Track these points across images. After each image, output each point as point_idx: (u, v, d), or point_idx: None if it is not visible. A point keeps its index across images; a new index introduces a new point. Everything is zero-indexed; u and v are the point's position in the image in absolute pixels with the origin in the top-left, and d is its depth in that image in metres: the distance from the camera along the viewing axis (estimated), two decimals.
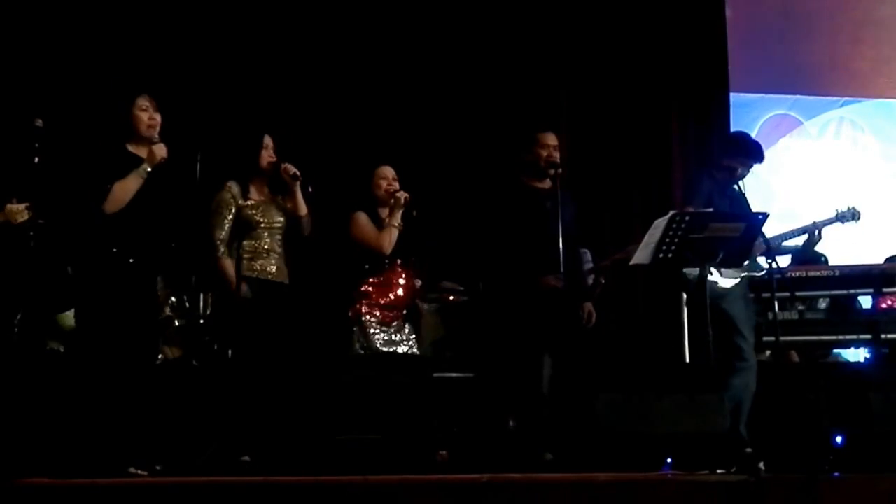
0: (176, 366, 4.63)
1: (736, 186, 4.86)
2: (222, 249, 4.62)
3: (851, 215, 5.15)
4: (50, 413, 4.10)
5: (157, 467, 4.02)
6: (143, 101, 4.30)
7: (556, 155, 5.02)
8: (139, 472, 3.94)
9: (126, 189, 4.17)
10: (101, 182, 4.15)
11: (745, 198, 4.98)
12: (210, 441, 4.28)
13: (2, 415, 4.03)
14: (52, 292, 4.38)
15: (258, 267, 4.68)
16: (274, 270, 4.71)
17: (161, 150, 4.25)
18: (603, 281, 5.58)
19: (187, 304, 4.74)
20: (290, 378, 4.61)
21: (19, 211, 4.11)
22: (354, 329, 4.86)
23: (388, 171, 5.05)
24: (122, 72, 5.61)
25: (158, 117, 4.31)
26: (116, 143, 4.28)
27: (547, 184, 5.03)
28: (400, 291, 4.92)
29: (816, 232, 5.12)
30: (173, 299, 4.70)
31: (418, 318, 5.04)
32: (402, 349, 4.88)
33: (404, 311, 4.95)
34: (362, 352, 4.81)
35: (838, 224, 5.15)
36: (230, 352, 4.54)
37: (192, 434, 4.35)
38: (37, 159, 4.15)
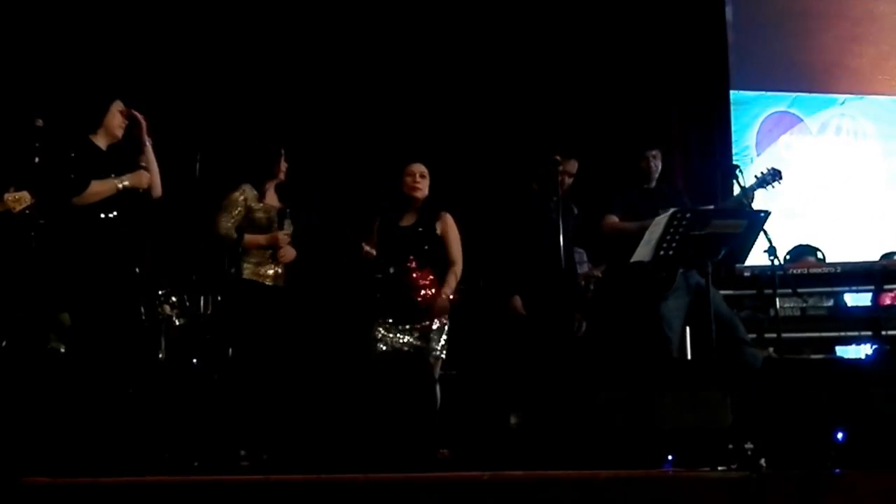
0: (176, 365, 4.65)
1: (737, 182, 4.87)
2: (232, 233, 4.76)
3: (772, 177, 5.03)
4: (52, 412, 4.11)
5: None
6: (120, 104, 4.52)
7: (571, 181, 5.19)
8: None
9: (98, 192, 4.33)
10: (65, 171, 4.27)
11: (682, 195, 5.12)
12: (213, 439, 4.31)
13: (4, 414, 4.04)
14: (53, 291, 4.39)
15: (263, 272, 4.80)
16: (279, 274, 4.85)
17: (146, 180, 4.47)
18: (592, 287, 5.61)
19: (188, 304, 4.77)
20: (291, 377, 4.65)
21: (17, 199, 4.15)
22: (370, 326, 4.88)
23: (416, 169, 5.05)
24: (128, 73, 5.63)
25: (125, 125, 4.53)
26: (80, 133, 4.44)
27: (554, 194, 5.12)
28: (418, 289, 4.89)
29: (746, 199, 5.04)
30: (174, 298, 4.72)
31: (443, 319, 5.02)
32: (414, 346, 4.88)
33: (422, 309, 4.92)
34: (376, 348, 4.83)
35: (762, 189, 5.04)
36: (230, 351, 4.60)
37: (194, 433, 4.36)
38: (37, 159, 4.18)
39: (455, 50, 6.69)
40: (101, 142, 4.48)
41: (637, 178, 5.24)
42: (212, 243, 4.77)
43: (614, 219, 5.17)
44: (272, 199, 4.96)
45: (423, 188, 5.00)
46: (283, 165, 4.94)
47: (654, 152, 5.25)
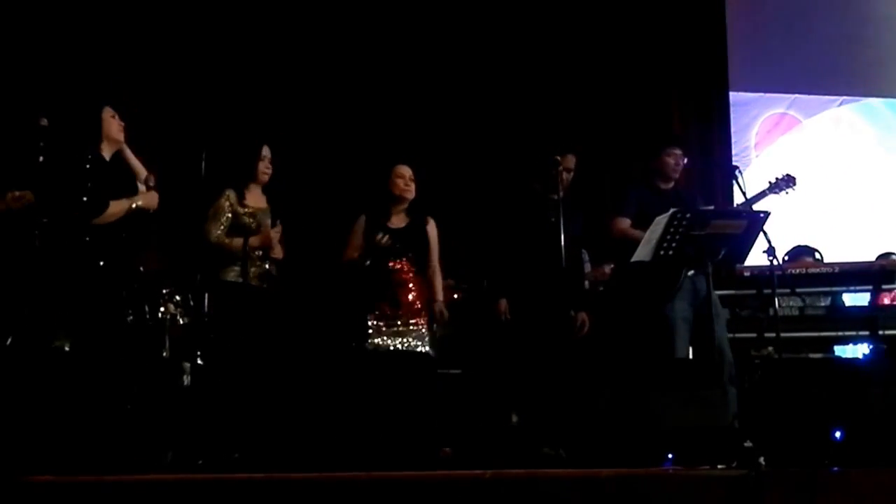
0: (180, 363, 4.68)
1: (737, 183, 4.88)
2: (224, 239, 4.80)
3: (786, 183, 5.05)
4: (56, 411, 4.13)
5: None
6: (110, 110, 4.50)
7: (570, 176, 5.15)
8: None
9: (114, 213, 4.36)
10: (83, 192, 4.29)
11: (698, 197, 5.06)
12: (216, 438, 4.34)
13: (7, 413, 4.06)
14: (57, 290, 4.41)
15: (250, 272, 4.81)
16: (266, 274, 4.86)
17: (154, 201, 4.50)
18: (601, 289, 5.62)
19: (192, 303, 4.80)
20: (294, 376, 4.69)
21: (18, 198, 4.17)
22: (364, 327, 4.91)
23: (406, 171, 5.12)
24: (128, 74, 5.64)
25: (123, 126, 4.52)
26: (90, 146, 4.43)
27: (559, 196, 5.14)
28: (411, 289, 4.97)
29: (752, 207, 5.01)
30: (177, 297, 4.75)
31: (432, 316, 5.07)
32: (412, 347, 4.93)
33: (412, 309, 4.98)
34: (370, 349, 4.86)
35: (773, 195, 5.05)
36: (235, 349, 4.65)
37: (196, 431, 4.39)
38: (41, 158, 4.20)
39: (456, 52, 6.71)
40: (106, 153, 4.48)
41: (652, 176, 5.20)
42: (203, 252, 4.80)
43: (625, 223, 5.10)
44: (258, 200, 4.96)
45: (413, 190, 5.09)
46: (264, 166, 4.95)
47: (675, 151, 5.18)
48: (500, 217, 5.26)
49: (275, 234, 4.86)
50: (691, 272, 4.86)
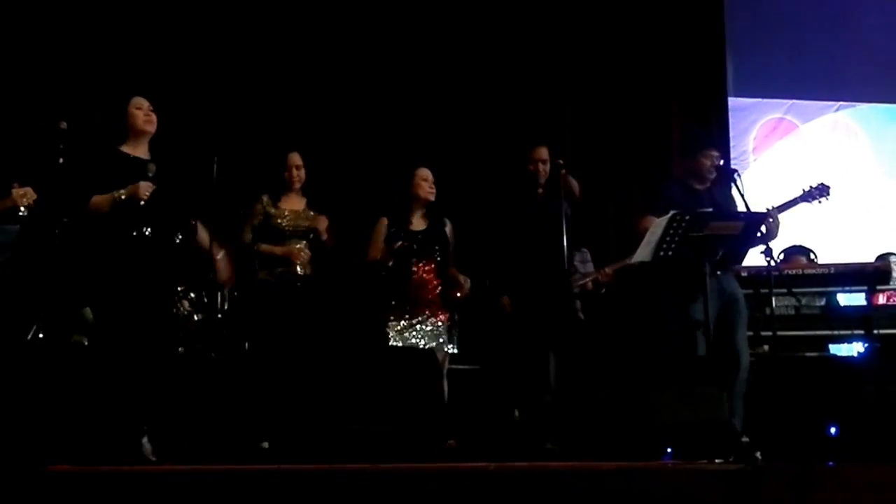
0: (195, 358, 4.76)
1: (735, 186, 4.94)
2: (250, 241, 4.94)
3: (819, 192, 4.94)
4: (75, 404, 4.21)
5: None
6: (138, 100, 4.45)
7: (547, 167, 5.19)
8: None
9: (98, 204, 4.29)
10: (91, 183, 4.30)
11: (733, 199, 5.09)
12: (228, 430, 4.43)
13: (29, 406, 4.14)
14: (76, 287, 4.48)
15: (280, 271, 4.95)
16: (299, 273, 4.98)
17: (146, 191, 4.31)
18: (603, 290, 5.69)
19: (206, 300, 4.89)
20: (304, 370, 4.78)
21: (23, 195, 4.22)
22: (382, 323, 5.03)
23: (428, 174, 5.23)
24: (146, 78, 5.71)
25: (154, 116, 4.45)
26: (109, 146, 4.42)
27: (541, 191, 5.20)
28: (430, 289, 5.08)
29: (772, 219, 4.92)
30: (192, 295, 4.84)
31: (450, 314, 5.17)
32: (425, 343, 5.03)
33: (432, 306, 5.09)
34: (388, 345, 4.98)
35: (805, 203, 4.96)
36: (247, 344, 4.75)
37: (210, 424, 4.48)
38: (61, 160, 4.27)
39: (456, 58, 6.77)
40: (132, 148, 4.44)
41: (687, 176, 5.10)
42: (236, 250, 4.93)
43: (652, 221, 4.88)
44: (295, 203, 5.12)
45: (434, 193, 5.20)
46: (294, 173, 5.07)
47: (712, 152, 5.05)
48: (492, 216, 5.36)
49: (299, 252, 4.95)
50: (718, 272, 4.81)
